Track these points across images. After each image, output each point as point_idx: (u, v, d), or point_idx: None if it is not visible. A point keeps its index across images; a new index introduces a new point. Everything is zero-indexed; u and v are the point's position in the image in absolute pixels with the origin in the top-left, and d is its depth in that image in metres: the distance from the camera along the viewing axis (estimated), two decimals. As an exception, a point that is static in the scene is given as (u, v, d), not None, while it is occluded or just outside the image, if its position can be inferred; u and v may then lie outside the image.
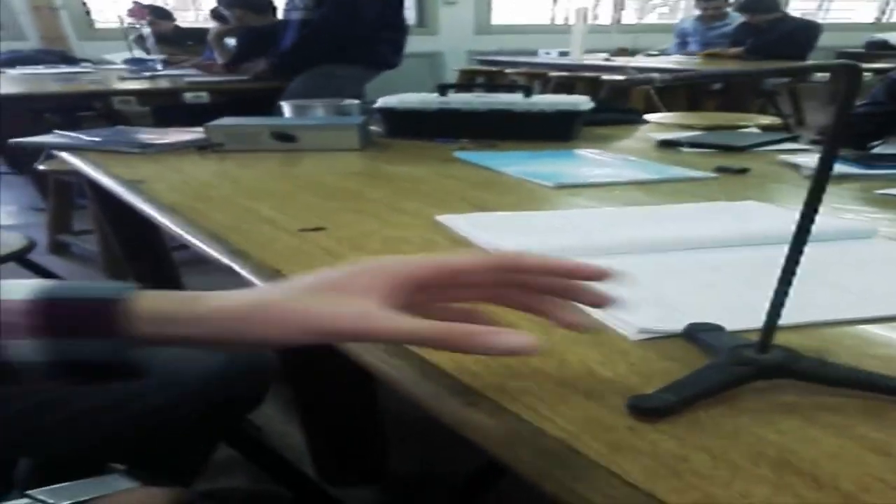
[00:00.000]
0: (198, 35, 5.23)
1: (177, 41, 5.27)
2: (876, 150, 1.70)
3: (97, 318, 0.48)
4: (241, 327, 0.47)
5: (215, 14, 4.25)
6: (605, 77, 4.51)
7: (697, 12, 6.62)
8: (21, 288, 0.48)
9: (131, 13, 4.85)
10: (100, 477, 0.66)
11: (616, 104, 2.00)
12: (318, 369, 1.32)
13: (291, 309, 0.47)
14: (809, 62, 0.63)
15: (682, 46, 6.67)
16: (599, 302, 0.54)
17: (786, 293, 0.49)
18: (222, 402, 1.00)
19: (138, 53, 4.71)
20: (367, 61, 3.48)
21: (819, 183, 0.45)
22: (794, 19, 5.97)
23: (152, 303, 0.49)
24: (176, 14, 5.78)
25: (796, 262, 0.48)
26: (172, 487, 0.65)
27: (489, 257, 0.52)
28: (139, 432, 0.91)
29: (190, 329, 0.48)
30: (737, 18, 6.32)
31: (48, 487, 0.63)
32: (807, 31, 5.80)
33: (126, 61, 4.55)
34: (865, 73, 4.62)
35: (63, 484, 0.64)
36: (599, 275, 0.53)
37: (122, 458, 0.70)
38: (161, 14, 5.37)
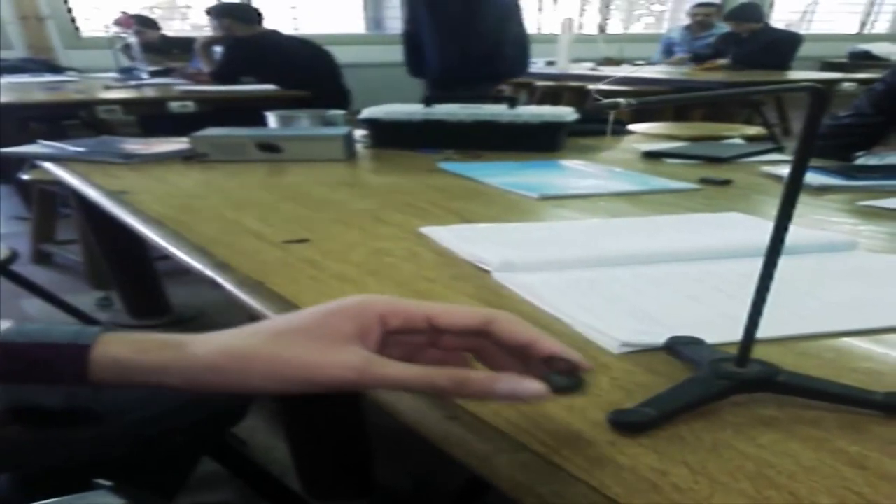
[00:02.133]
0: (184, 44, 5.22)
1: (163, 50, 5.26)
2: (859, 162, 1.72)
3: (52, 365, 0.47)
4: (216, 379, 0.46)
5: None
6: (591, 87, 4.53)
7: (684, 22, 6.67)
8: None
9: (118, 22, 4.84)
10: (84, 493, 0.66)
11: (601, 115, 2.01)
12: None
13: (278, 359, 0.45)
14: (775, 84, 0.65)
15: (667, 55, 6.71)
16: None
17: (762, 307, 0.50)
18: (204, 416, 1.00)
19: (125, 62, 4.69)
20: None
21: (789, 197, 0.46)
22: (774, 30, 6.03)
23: (115, 348, 0.47)
24: (163, 23, 5.76)
25: (770, 276, 0.48)
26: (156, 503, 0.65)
27: (471, 314, 0.49)
28: (121, 447, 0.91)
29: (157, 377, 0.47)
30: (722, 29, 6.37)
31: None
32: (787, 42, 5.86)
33: (119, 70, 4.54)
34: (849, 84, 4.67)
35: (47, 501, 0.63)
36: (575, 367, 0.47)
37: (104, 474, 0.70)
38: (147, 23, 5.35)
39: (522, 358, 0.48)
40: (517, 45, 3.66)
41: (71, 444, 0.87)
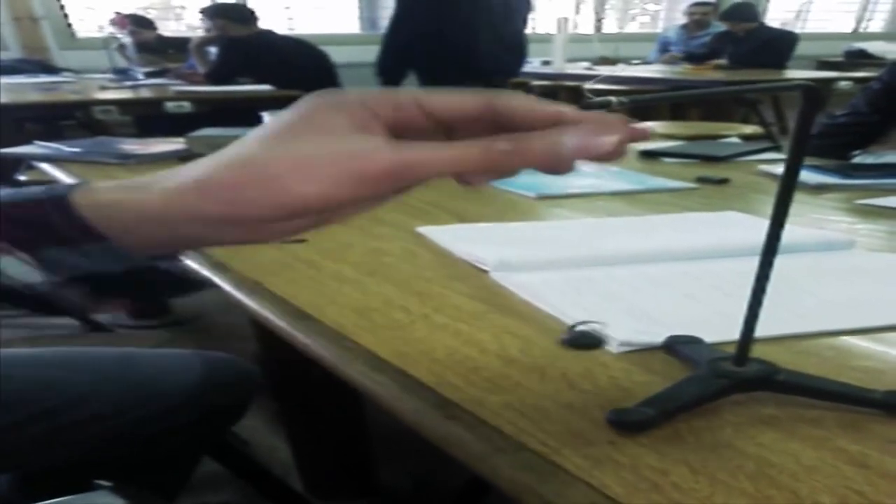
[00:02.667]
0: (179, 44, 5.22)
1: (158, 50, 5.25)
2: (856, 160, 1.72)
3: (49, 221, 0.42)
4: (218, 197, 0.39)
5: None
6: (585, 86, 4.53)
7: (681, 21, 6.68)
8: None
9: (113, 22, 4.83)
10: (85, 493, 0.66)
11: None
12: (304, 382, 1.31)
13: (299, 156, 0.38)
14: (767, 83, 0.65)
15: (663, 54, 6.72)
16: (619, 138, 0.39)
17: (759, 305, 0.50)
18: (203, 414, 0.99)
19: (120, 62, 4.69)
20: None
21: (783, 195, 0.46)
22: (770, 29, 6.05)
23: (104, 195, 0.42)
24: (158, 23, 5.76)
25: (768, 275, 0.48)
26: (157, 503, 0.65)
27: (469, 97, 0.41)
28: (121, 447, 0.91)
29: (142, 213, 0.41)
30: (719, 28, 6.38)
31: None
32: (784, 41, 5.88)
33: (114, 70, 4.53)
34: (845, 83, 4.67)
35: (49, 501, 0.63)
36: (638, 134, 0.40)
37: (104, 473, 0.70)
38: (143, 23, 5.34)
39: None
40: (497, 43, 3.69)
41: (71, 443, 0.87)
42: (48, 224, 0.41)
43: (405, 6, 3.48)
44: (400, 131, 0.40)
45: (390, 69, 3.59)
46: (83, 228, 0.41)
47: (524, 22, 3.92)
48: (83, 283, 0.43)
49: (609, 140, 0.38)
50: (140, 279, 0.44)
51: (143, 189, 0.41)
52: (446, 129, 0.42)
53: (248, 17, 4.23)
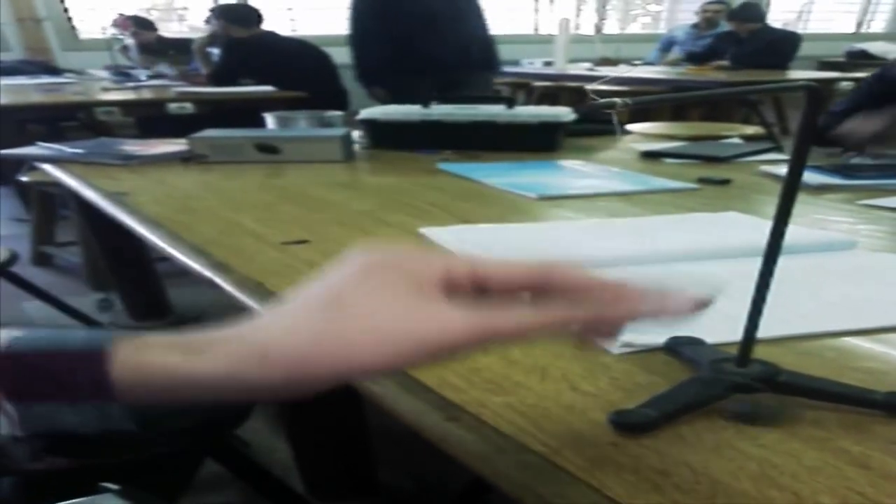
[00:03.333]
0: (181, 45, 5.23)
1: (160, 51, 5.26)
2: (854, 161, 1.72)
3: (67, 375, 0.38)
4: (309, 371, 0.38)
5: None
6: (588, 87, 4.53)
7: (683, 22, 6.68)
8: None
9: (116, 24, 4.84)
10: (90, 497, 0.66)
11: (599, 115, 2.01)
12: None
13: (373, 330, 0.37)
14: (771, 83, 0.65)
15: (665, 53, 6.73)
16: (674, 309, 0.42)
17: (761, 307, 0.50)
18: (206, 418, 0.99)
19: (125, 62, 4.70)
20: None
21: (787, 196, 0.46)
22: (774, 30, 6.04)
23: (150, 355, 0.38)
24: (160, 25, 5.76)
25: (770, 276, 0.48)
26: None
27: (524, 266, 0.41)
28: (122, 449, 0.91)
29: (215, 385, 0.38)
30: (722, 28, 6.38)
31: None
32: (787, 42, 5.87)
33: (107, 67, 4.54)
34: (847, 83, 4.67)
35: None
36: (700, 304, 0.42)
37: (107, 475, 0.70)
38: (144, 25, 5.35)
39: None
40: (442, 45, 3.81)
41: (73, 446, 0.87)
42: (72, 382, 0.38)
43: (355, 12, 3.63)
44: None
45: (366, 74, 3.69)
46: (106, 392, 0.38)
47: (480, 21, 4.09)
48: (43, 439, 0.40)
49: (680, 308, 0.40)
50: (98, 442, 0.41)
51: (196, 352, 0.38)
52: (485, 292, 0.40)
53: (251, 18, 4.23)
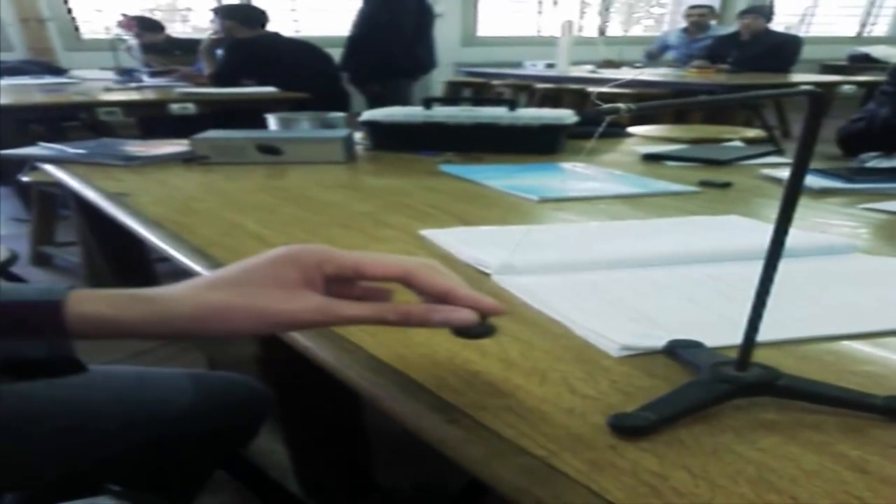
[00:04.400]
0: (187, 46, 5.23)
1: (166, 51, 5.26)
2: (870, 164, 1.71)
3: (31, 320, 0.50)
4: (197, 327, 0.51)
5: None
6: (591, 89, 4.53)
7: (682, 25, 6.69)
8: None
9: (122, 24, 4.85)
10: (91, 499, 0.66)
11: (601, 118, 2.01)
12: (302, 385, 1.31)
13: (258, 308, 0.51)
14: (773, 88, 0.65)
15: (658, 55, 6.76)
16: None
17: (762, 310, 0.50)
18: (214, 434, 0.99)
19: (129, 63, 4.70)
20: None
21: (789, 200, 0.46)
22: (776, 34, 6.05)
23: (90, 305, 0.50)
24: (164, 25, 5.77)
25: (771, 280, 0.48)
26: None
27: (393, 267, 0.54)
28: (130, 464, 0.91)
29: (136, 330, 0.51)
30: (719, 31, 6.38)
31: None
32: (790, 46, 5.88)
33: (115, 69, 4.55)
34: (849, 86, 4.67)
35: None
36: (495, 310, 0.54)
37: (113, 482, 0.70)
38: (152, 26, 5.36)
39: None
40: (412, 48, 4.73)
41: (82, 459, 0.87)
42: (34, 325, 0.50)
43: (363, 20, 4.61)
44: (332, 279, 0.54)
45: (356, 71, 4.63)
46: (59, 333, 0.50)
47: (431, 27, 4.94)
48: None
49: (462, 317, 0.52)
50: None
51: (128, 307, 0.50)
52: (365, 280, 0.56)
53: (256, 19, 4.24)
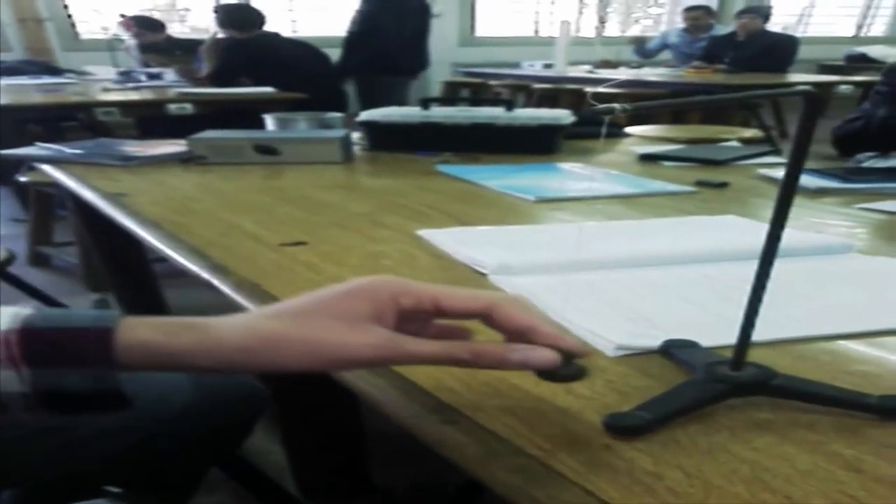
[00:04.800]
0: (188, 45, 5.24)
1: (167, 51, 5.27)
2: (866, 164, 1.72)
3: (77, 349, 0.46)
4: (246, 360, 0.47)
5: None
6: (588, 89, 4.54)
7: (682, 25, 6.69)
8: (1, 317, 0.47)
9: (123, 25, 4.85)
10: (90, 501, 0.66)
11: (598, 118, 2.01)
12: (300, 385, 1.31)
13: (314, 340, 0.47)
14: (770, 88, 0.64)
15: (658, 52, 6.78)
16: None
17: (757, 310, 0.50)
18: (211, 432, 0.99)
19: (128, 64, 4.70)
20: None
21: (783, 200, 0.46)
22: (772, 34, 6.06)
23: (140, 331, 0.47)
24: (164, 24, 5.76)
25: (766, 279, 0.49)
26: None
27: (476, 300, 0.51)
28: (127, 461, 0.91)
29: (187, 360, 0.47)
30: (721, 32, 6.39)
31: None
32: (786, 46, 5.89)
33: (118, 72, 4.55)
34: (846, 86, 4.67)
35: None
36: (577, 353, 0.50)
37: (111, 483, 0.70)
38: (153, 25, 5.36)
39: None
40: (409, 49, 4.82)
41: (78, 457, 0.87)
42: (81, 353, 0.46)
43: (364, 20, 4.65)
44: (409, 312, 0.51)
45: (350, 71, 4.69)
46: (109, 362, 0.46)
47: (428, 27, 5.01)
48: (43, 396, 0.47)
49: (541, 357, 0.48)
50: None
51: (171, 334, 0.47)
52: (445, 314, 0.52)
53: (253, 21, 4.23)
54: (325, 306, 0.49)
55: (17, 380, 0.46)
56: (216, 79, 4.06)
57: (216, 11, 4.36)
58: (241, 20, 4.20)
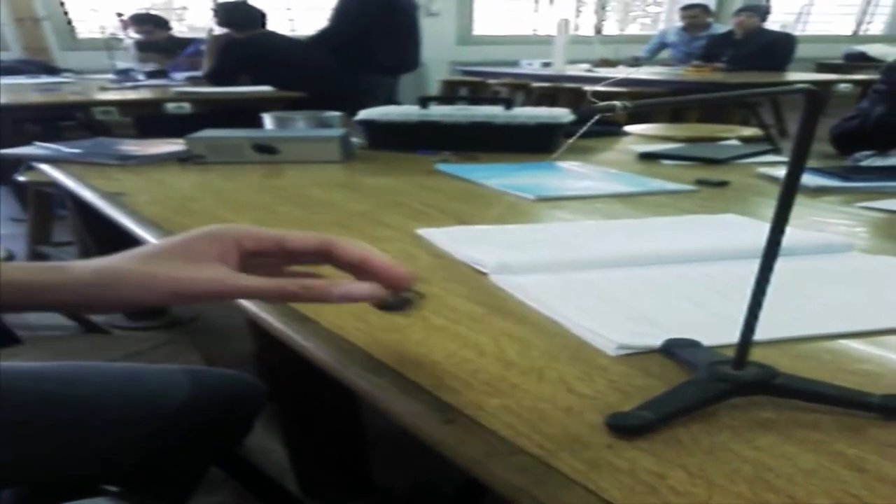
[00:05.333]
0: (187, 44, 5.25)
1: (168, 50, 5.27)
2: (865, 163, 1.71)
3: None
4: (98, 293, 0.52)
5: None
6: (587, 88, 4.54)
7: (680, 23, 6.69)
8: None
9: (124, 24, 4.85)
10: (90, 500, 0.66)
11: (592, 115, 2.01)
12: (300, 384, 1.31)
13: (149, 274, 0.52)
14: (770, 87, 0.64)
15: (656, 52, 6.78)
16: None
17: (758, 309, 0.50)
18: (210, 430, 0.99)
19: (131, 63, 4.70)
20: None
21: (785, 199, 0.46)
22: (770, 32, 6.06)
23: (10, 274, 0.51)
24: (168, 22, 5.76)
25: (767, 278, 0.48)
26: None
27: (315, 238, 0.56)
28: (125, 460, 0.91)
29: (47, 296, 0.52)
30: (719, 31, 6.39)
31: None
32: (784, 44, 5.88)
33: (115, 71, 4.55)
34: (845, 85, 4.67)
35: None
36: (404, 281, 0.55)
37: (109, 482, 0.70)
38: (158, 23, 5.36)
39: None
40: (400, 48, 4.72)
41: (76, 457, 0.87)
42: None
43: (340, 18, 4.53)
44: (255, 254, 0.56)
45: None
46: None
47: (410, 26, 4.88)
48: None
49: (362, 290, 0.53)
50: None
51: (40, 273, 0.52)
52: (290, 255, 0.57)
53: (253, 18, 4.22)
54: (170, 248, 0.53)
55: None
56: (215, 77, 4.05)
57: (215, 10, 4.35)
58: (241, 19, 4.19)
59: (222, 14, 4.21)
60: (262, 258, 0.56)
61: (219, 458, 1.21)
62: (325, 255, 0.56)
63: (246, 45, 4.08)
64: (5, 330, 0.52)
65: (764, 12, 6.12)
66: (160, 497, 0.97)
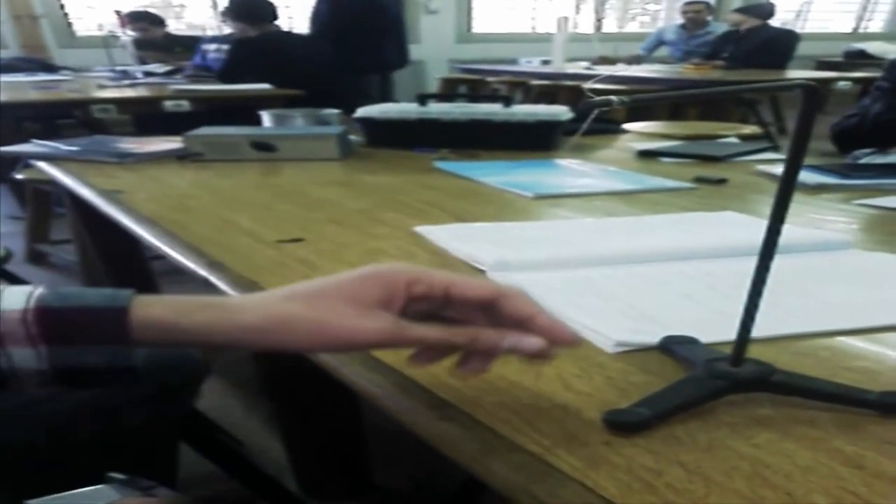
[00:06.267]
0: (186, 42, 5.24)
1: (166, 47, 5.26)
2: (864, 161, 1.71)
3: (95, 328, 0.49)
4: (264, 338, 0.50)
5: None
6: (585, 86, 4.54)
7: (678, 21, 6.69)
8: (16, 297, 0.49)
9: (121, 22, 4.84)
10: (93, 487, 0.66)
11: (598, 115, 2.01)
12: (300, 383, 1.31)
13: (320, 322, 0.49)
14: (768, 83, 0.64)
15: (654, 50, 6.78)
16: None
17: (756, 306, 0.50)
18: (158, 389, 1.00)
19: (126, 60, 4.69)
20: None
21: (782, 196, 0.45)
22: (772, 28, 6.05)
23: (155, 310, 0.49)
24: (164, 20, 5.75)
25: (765, 275, 0.48)
26: (170, 494, 0.65)
27: (484, 289, 0.52)
28: (85, 422, 0.92)
29: (202, 338, 0.49)
30: (718, 28, 6.38)
31: (43, 498, 0.63)
32: (785, 40, 5.88)
33: (113, 70, 4.54)
34: (844, 83, 4.67)
35: (58, 495, 0.63)
36: (570, 342, 0.51)
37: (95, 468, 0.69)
38: (154, 20, 5.35)
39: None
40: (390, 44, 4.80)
41: (36, 417, 0.88)
42: (98, 332, 0.49)
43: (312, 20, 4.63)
44: (419, 300, 0.52)
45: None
46: (125, 340, 0.49)
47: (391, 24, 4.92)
48: (58, 373, 0.50)
49: (530, 344, 0.50)
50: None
51: (191, 313, 0.49)
52: (450, 302, 0.53)
53: (264, 13, 4.19)
54: (337, 290, 0.50)
55: (35, 357, 0.48)
56: (224, 77, 4.03)
57: (228, 5, 4.31)
58: (252, 14, 4.15)
59: (234, 8, 4.19)
60: (423, 303, 0.53)
61: (182, 428, 1.21)
62: (489, 309, 0.52)
63: (256, 44, 4.06)
64: (129, 367, 0.49)
65: (767, 13, 6.09)
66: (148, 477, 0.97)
